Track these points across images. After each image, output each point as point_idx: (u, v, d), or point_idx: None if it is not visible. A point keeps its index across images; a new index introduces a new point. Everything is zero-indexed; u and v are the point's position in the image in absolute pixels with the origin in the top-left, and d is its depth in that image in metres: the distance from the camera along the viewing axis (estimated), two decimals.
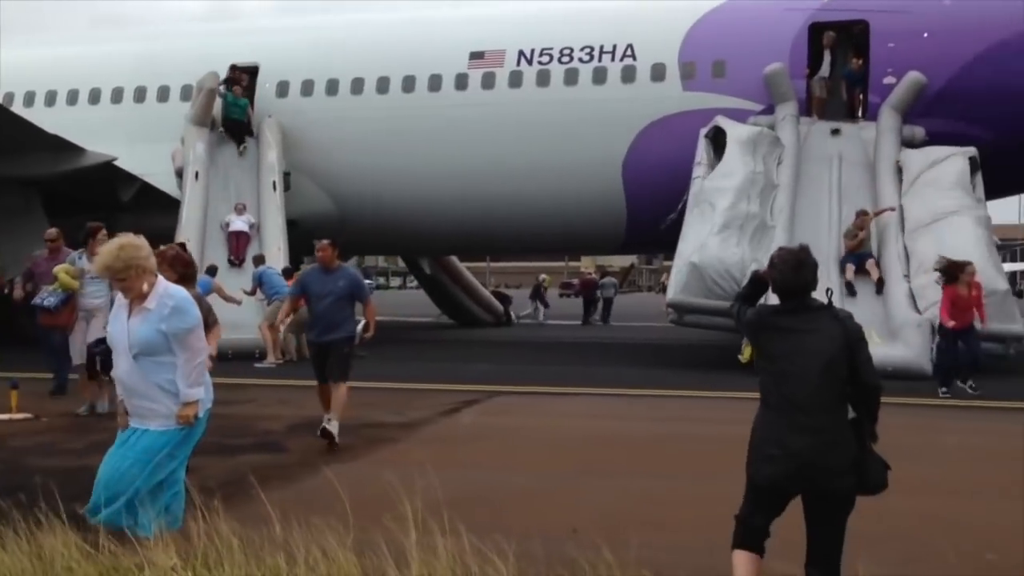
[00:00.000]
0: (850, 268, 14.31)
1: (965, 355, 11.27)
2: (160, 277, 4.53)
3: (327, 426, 7.56)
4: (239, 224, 17.33)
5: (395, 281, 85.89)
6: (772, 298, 3.90)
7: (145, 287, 4.39)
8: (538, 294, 29.68)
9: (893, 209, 14.78)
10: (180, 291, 4.55)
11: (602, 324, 28.05)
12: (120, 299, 4.55)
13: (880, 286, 14.06)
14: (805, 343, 3.63)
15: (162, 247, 5.94)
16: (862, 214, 14.62)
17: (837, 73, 17.00)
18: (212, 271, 15.51)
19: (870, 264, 14.31)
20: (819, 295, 3.85)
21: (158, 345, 4.37)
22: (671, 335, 19.14)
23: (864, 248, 14.47)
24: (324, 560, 4.17)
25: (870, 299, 13.96)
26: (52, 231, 11.24)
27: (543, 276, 31.97)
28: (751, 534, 3.81)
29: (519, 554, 4.20)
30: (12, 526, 4.47)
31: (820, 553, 3.71)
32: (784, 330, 3.71)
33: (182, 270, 5.84)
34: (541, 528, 5.17)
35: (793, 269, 3.74)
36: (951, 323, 11.09)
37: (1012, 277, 56.49)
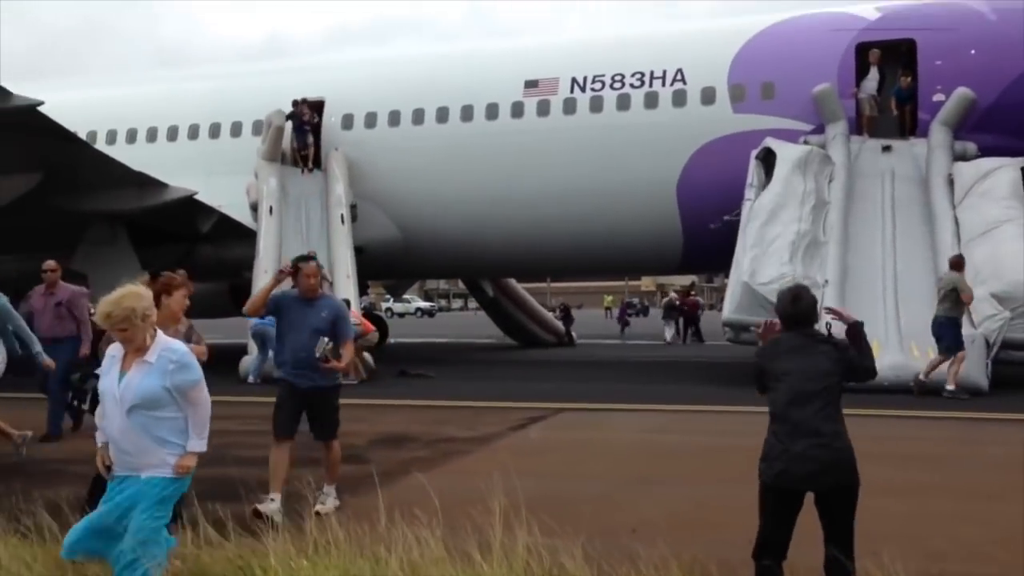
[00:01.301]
0: None
1: None
2: (159, 331, 4.51)
3: (261, 507, 6.14)
4: None
5: (456, 303, 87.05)
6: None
7: (147, 340, 4.37)
8: (671, 312, 30.12)
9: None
10: (180, 345, 4.54)
11: (682, 343, 28.51)
12: (111, 352, 4.51)
13: None
14: (807, 361, 4.31)
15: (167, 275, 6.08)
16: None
17: (887, 91, 17.33)
18: None
19: None
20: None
21: (160, 400, 4.34)
22: (731, 352, 19.53)
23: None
24: (417, 546, 4.83)
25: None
26: (50, 262, 10.52)
27: (672, 294, 32.09)
28: (765, 568, 4.35)
29: (586, 547, 4.82)
30: None
31: (836, 542, 4.28)
32: (788, 352, 4.39)
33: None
34: (605, 528, 5.76)
35: (791, 302, 4.50)
36: None
37: None
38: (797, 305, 4.50)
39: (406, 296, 53.92)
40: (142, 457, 4.31)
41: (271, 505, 6.22)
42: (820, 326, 4.71)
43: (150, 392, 4.29)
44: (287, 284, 6.95)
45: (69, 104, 20.15)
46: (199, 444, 4.44)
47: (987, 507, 6.46)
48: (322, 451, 6.80)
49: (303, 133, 20.08)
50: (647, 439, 9.63)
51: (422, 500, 5.66)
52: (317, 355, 6.41)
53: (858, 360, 4.43)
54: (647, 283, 79.46)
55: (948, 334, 12.62)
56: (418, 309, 61.22)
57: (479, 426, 10.07)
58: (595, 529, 5.55)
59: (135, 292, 4.37)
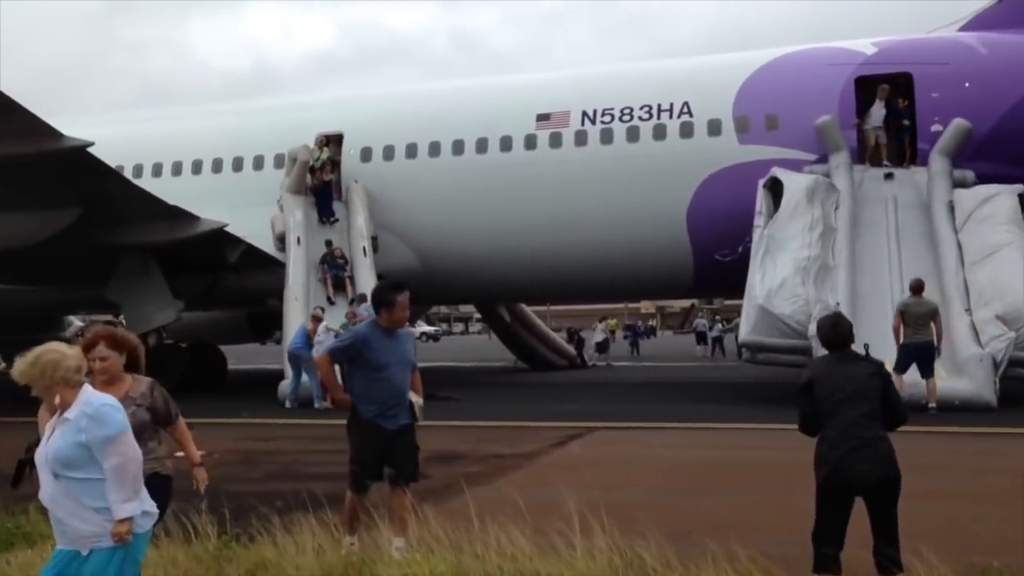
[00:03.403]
0: None
1: None
2: (87, 386, 4.13)
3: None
4: None
5: (458, 327, 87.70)
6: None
7: (70, 396, 4.02)
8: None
9: None
10: (102, 398, 4.12)
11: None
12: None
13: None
14: (850, 376, 5.04)
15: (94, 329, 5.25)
16: None
17: (893, 122, 18.07)
18: (316, 319, 17.01)
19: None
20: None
21: (77, 459, 3.93)
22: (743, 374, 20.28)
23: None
24: (510, 544, 5.50)
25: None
26: None
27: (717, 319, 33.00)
28: (826, 556, 4.99)
29: (655, 543, 5.50)
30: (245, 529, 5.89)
31: (883, 534, 4.98)
32: (834, 369, 5.11)
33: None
34: (665, 529, 6.41)
35: (832, 327, 5.25)
36: None
37: None
38: (838, 330, 5.28)
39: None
40: (77, 525, 3.93)
41: (401, 547, 5.91)
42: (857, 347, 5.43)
43: (64, 451, 3.93)
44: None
45: (97, 138, 20.88)
46: (122, 508, 3.94)
47: (1003, 509, 7.15)
48: (395, 499, 6.22)
49: (337, 269, 19.61)
50: (681, 454, 10.30)
51: (498, 507, 6.34)
52: (418, 419, 6.30)
53: (888, 376, 5.18)
54: (646, 306, 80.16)
55: (933, 358, 13.52)
56: (423, 333, 61.81)
57: (521, 444, 10.74)
58: (657, 530, 6.21)
59: (52, 351, 4.07)
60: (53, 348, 4.08)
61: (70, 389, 4.00)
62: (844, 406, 4.97)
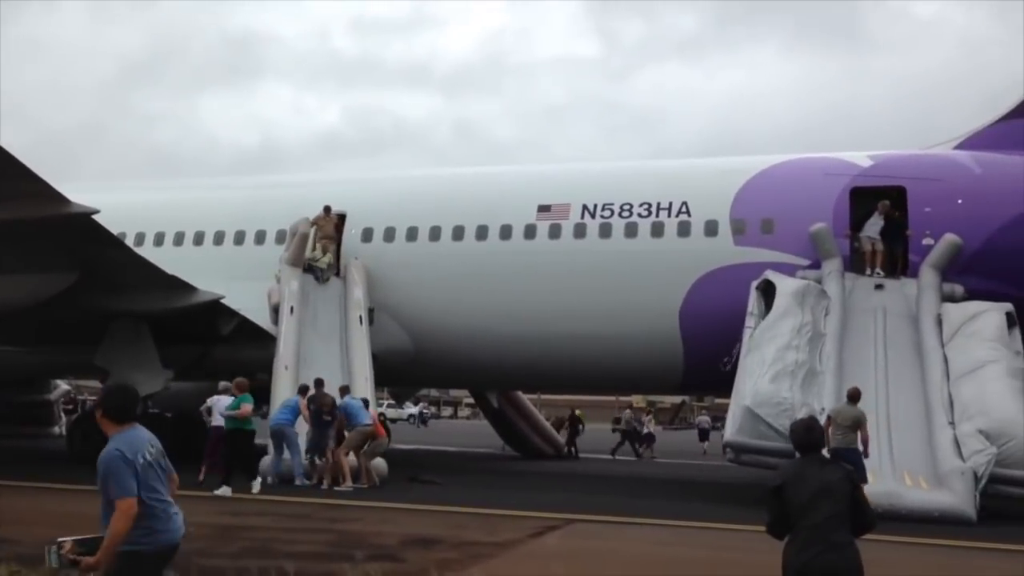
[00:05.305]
0: None
1: None
2: None
3: None
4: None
5: (446, 411, 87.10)
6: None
7: None
8: None
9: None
10: None
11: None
12: None
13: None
14: (820, 480, 5.11)
15: None
16: None
17: (893, 233, 18.23)
18: (303, 390, 17.01)
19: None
20: None
21: None
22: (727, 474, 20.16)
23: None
24: None
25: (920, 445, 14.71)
26: None
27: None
28: None
29: None
30: None
31: None
32: (804, 473, 5.18)
33: None
34: None
35: (805, 430, 5.38)
36: None
37: None
38: (811, 433, 5.38)
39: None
40: None
41: None
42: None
43: None
44: None
45: (101, 205, 21.17)
46: None
47: None
48: None
49: (325, 425, 16.65)
50: (656, 551, 10.26)
51: None
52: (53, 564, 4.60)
53: (856, 481, 5.25)
54: (637, 400, 79.86)
55: (860, 464, 13.16)
56: (411, 415, 61.38)
57: (498, 532, 10.69)
58: None
59: None
60: None
61: None
62: (813, 509, 5.03)
